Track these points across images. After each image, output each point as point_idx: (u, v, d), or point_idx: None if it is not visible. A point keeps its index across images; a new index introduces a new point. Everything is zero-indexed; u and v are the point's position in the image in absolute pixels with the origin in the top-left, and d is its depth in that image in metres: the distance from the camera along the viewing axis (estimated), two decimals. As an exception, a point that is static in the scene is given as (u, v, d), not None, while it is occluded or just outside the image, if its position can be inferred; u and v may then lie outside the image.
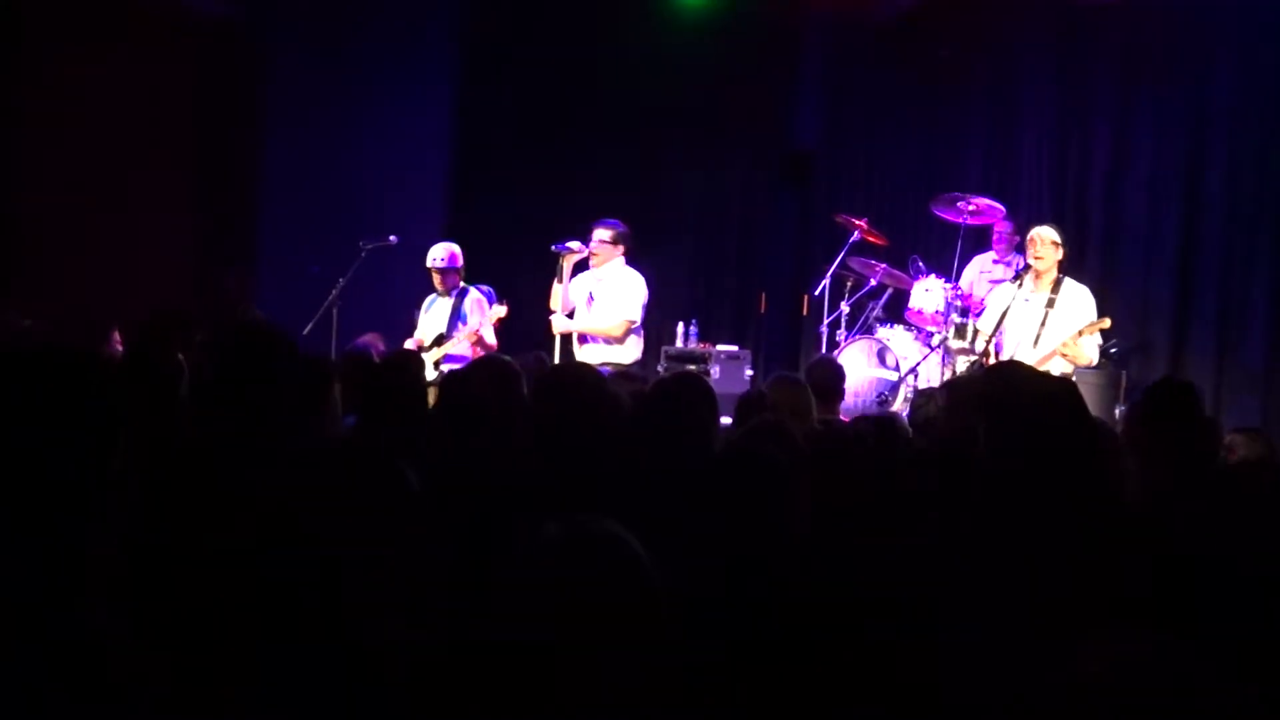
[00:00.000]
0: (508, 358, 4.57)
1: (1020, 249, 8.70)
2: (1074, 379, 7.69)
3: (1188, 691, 1.56)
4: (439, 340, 8.69)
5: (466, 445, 3.65)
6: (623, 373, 7.20)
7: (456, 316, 8.75)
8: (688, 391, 4.02)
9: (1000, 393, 3.17)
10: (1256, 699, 1.62)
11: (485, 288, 8.89)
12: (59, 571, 1.68)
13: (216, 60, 10.24)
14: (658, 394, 4.10)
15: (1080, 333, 7.73)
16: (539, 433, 3.74)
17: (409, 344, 8.78)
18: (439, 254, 8.86)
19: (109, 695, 1.63)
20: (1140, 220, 9.81)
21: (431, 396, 6.03)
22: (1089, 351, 7.77)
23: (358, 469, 2.68)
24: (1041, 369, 7.61)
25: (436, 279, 8.86)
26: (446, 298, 8.86)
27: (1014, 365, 4.23)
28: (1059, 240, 7.94)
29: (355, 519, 2.56)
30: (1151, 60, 9.82)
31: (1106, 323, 7.98)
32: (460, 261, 8.85)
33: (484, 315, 8.68)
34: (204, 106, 10.21)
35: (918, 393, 7.27)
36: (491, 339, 8.70)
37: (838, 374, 6.68)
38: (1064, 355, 7.64)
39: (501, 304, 8.75)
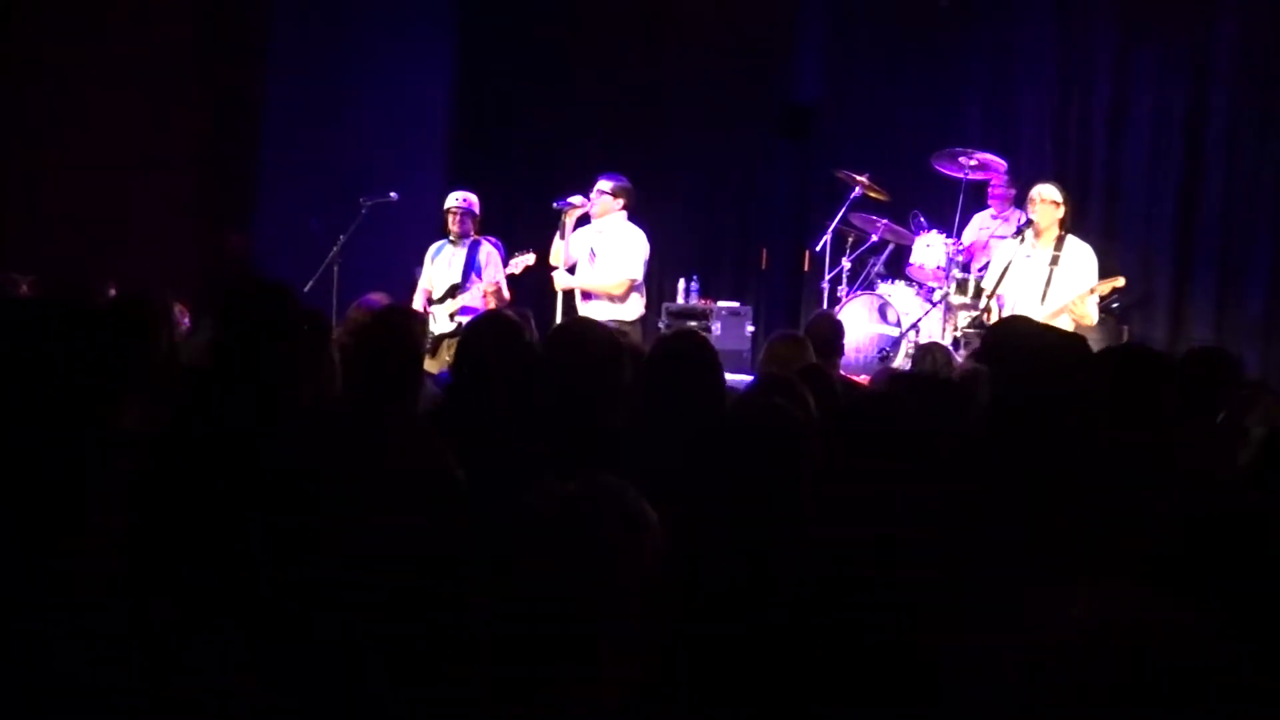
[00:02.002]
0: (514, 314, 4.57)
1: (1019, 203, 8.68)
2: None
3: (1180, 646, 1.56)
4: (453, 292, 8.64)
5: (489, 403, 3.66)
6: (617, 329, 7.19)
7: (471, 267, 8.69)
8: (689, 349, 4.00)
9: (1008, 344, 3.17)
10: (1251, 657, 1.63)
11: (494, 240, 8.86)
12: (57, 537, 1.68)
13: (217, 19, 10.19)
14: (660, 353, 4.09)
15: (1092, 290, 7.75)
16: (548, 389, 3.73)
17: (417, 296, 8.77)
18: (457, 197, 8.79)
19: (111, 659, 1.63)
20: (1141, 174, 9.80)
21: (450, 351, 6.01)
22: (1092, 311, 7.79)
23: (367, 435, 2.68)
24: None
25: (452, 221, 8.74)
26: (457, 246, 8.79)
27: (1022, 319, 4.23)
28: (1059, 199, 7.92)
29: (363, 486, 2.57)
30: (1153, 12, 9.77)
31: (1120, 281, 7.99)
32: (478, 209, 8.79)
33: (500, 268, 8.63)
34: (204, 66, 10.16)
35: (918, 348, 7.27)
36: (505, 292, 8.68)
37: (837, 329, 6.69)
38: (1071, 313, 7.65)
39: (529, 252, 8.69)
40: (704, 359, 3.96)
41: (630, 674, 1.87)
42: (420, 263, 9.02)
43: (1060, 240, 7.92)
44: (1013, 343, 2.95)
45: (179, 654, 1.71)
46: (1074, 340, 3.23)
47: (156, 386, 3.60)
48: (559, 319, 8.07)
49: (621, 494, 1.96)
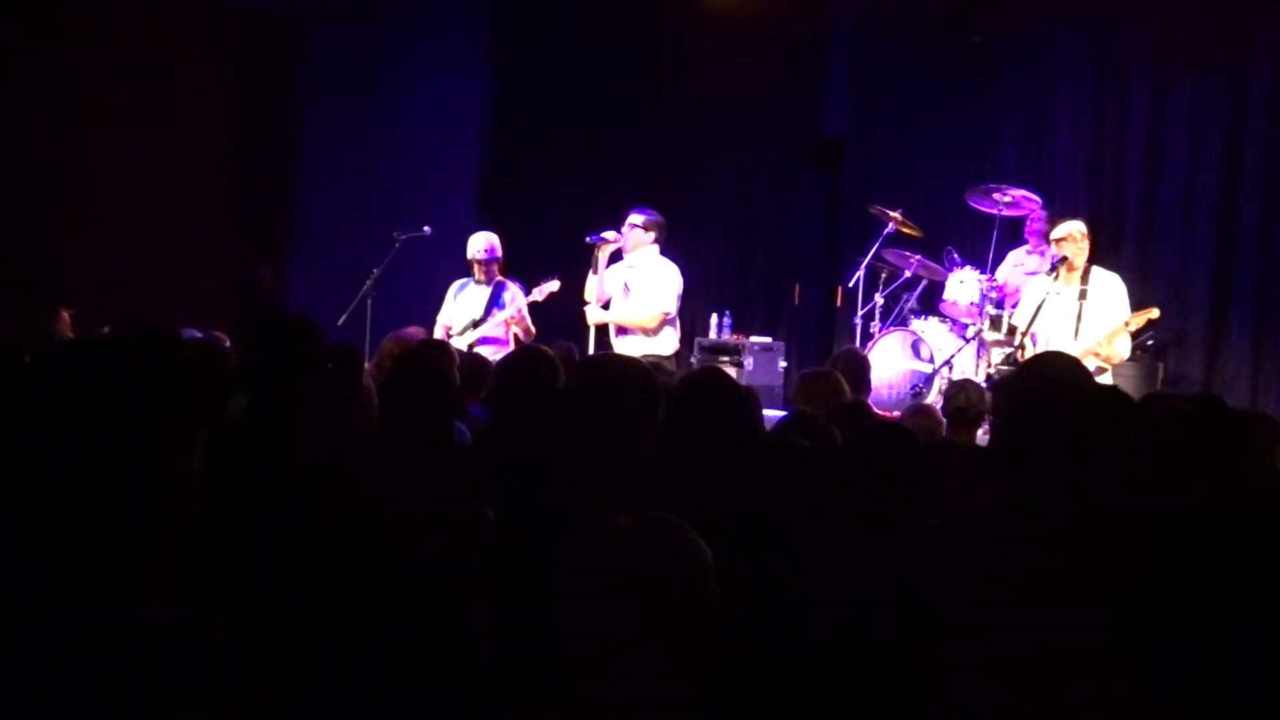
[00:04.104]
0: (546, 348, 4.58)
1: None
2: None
3: None
4: (474, 324, 8.67)
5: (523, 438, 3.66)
6: (654, 364, 7.17)
7: (494, 304, 8.72)
8: (715, 387, 3.94)
9: (1034, 386, 3.13)
10: None
11: (520, 283, 8.89)
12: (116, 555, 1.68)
13: (253, 53, 10.30)
14: (684, 391, 4.02)
15: (1126, 324, 7.72)
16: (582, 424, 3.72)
17: (437, 330, 8.79)
18: (479, 245, 8.82)
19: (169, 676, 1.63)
20: (1176, 211, 9.74)
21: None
22: (1123, 348, 7.75)
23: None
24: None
25: (477, 270, 8.82)
26: (483, 285, 8.84)
27: (1055, 357, 4.18)
28: (1085, 231, 7.97)
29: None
30: (1188, 45, 9.73)
31: (1155, 313, 7.95)
32: (499, 253, 8.81)
33: (524, 303, 8.65)
34: (240, 100, 10.27)
35: (950, 385, 7.24)
36: (530, 326, 8.69)
37: (863, 365, 6.67)
38: (1098, 355, 7.62)
39: (553, 279, 8.71)
40: (729, 397, 3.90)
41: (678, 710, 1.86)
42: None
43: (1086, 274, 7.90)
44: (1037, 383, 2.92)
45: (233, 692, 1.71)
46: (1101, 387, 3.23)
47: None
48: (591, 353, 8.08)
49: (678, 528, 1.94)
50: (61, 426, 1.63)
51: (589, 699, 1.81)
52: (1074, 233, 7.93)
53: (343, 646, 2.72)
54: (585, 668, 1.82)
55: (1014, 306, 8.63)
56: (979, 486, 3.53)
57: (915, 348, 9.04)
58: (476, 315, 8.71)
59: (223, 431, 3.07)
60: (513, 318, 8.57)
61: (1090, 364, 7.54)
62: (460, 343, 8.59)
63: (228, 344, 6.23)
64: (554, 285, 8.68)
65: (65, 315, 6.96)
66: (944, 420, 5.92)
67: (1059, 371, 3.01)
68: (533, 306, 8.71)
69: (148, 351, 1.70)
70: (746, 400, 3.93)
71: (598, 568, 1.87)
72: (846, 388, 5.63)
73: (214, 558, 2.42)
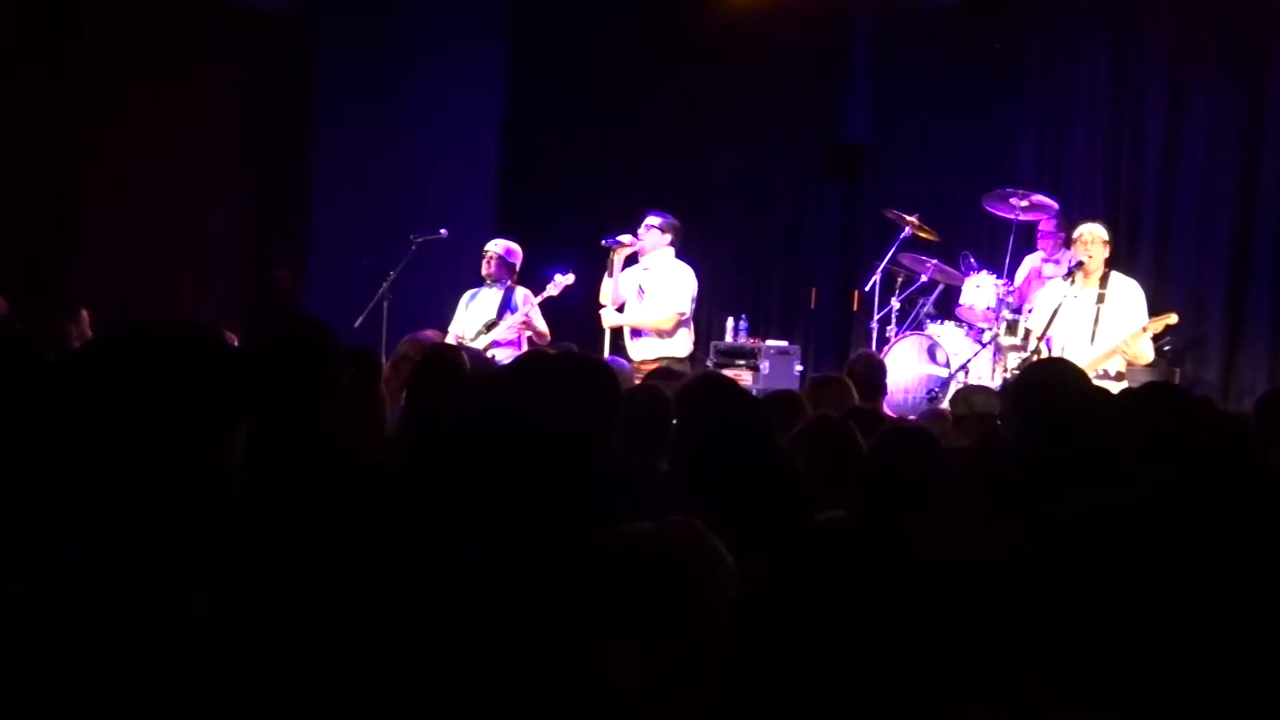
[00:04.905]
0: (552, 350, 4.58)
1: (1069, 245, 8.63)
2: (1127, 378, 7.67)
3: None
4: (487, 327, 8.68)
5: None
6: (666, 368, 7.17)
7: (506, 307, 8.74)
8: (714, 393, 3.86)
9: (1042, 390, 3.12)
10: None
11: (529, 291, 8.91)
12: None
13: (268, 57, 10.34)
14: (684, 397, 3.93)
15: (1145, 328, 7.69)
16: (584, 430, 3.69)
17: (449, 340, 8.81)
18: (500, 244, 8.85)
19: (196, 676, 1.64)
20: (1194, 215, 9.72)
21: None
22: (1146, 349, 7.72)
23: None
24: (1100, 367, 7.58)
25: (488, 267, 8.82)
26: (494, 290, 8.84)
27: (1062, 363, 4.17)
28: (1107, 238, 7.93)
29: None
30: (1205, 50, 9.71)
31: (1174, 318, 7.92)
32: (517, 260, 8.84)
33: (536, 308, 8.66)
34: (256, 103, 10.31)
35: (956, 392, 7.22)
36: (544, 327, 8.71)
37: (879, 369, 6.67)
38: (1124, 353, 7.59)
39: (568, 273, 8.72)
40: (733, 404, 3.82)
41: (697, 713, 1.86)
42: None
43: (1105, 278, 7.88)
44: (1042, 388, 2.92)
45: (265, 693, 1.72)
46: (1105, 393, 3.21)
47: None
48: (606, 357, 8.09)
49: (699, 533, 1.95)
50: (106, 420, 1.64)
51: (611, 702, 1.82)
52: (1089, 236, 7.91)
53: (364, 650, 2.72)
54: (608, 671, 1.83)
55: (1030, 311, 8.61)
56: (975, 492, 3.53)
57: (931, 352, 9.03)
58: (490, 317, 8.71)
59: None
60: (525, 321, 8.59)
61: (1116, 363, 7.54)
62: (474, 346, 8.61)
63: (237, 344, 6.26)
64: (569, 278, 8.69)
65: (85, 315, 7.01)
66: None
67: (1064, 377, 3.01)
68: (548, 309, 8.72)
69: (193, 347, 1.70)
70: (750, 403, 3.86)
71: (620, 572, 1.88)
72: (855, 392, 5.62)
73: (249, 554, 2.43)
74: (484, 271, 8.81)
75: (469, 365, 5.18)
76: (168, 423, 1.64)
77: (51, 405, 1.67)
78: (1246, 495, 2.77)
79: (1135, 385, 7.77)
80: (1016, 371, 8.07)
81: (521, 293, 8.76)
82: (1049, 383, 2.97)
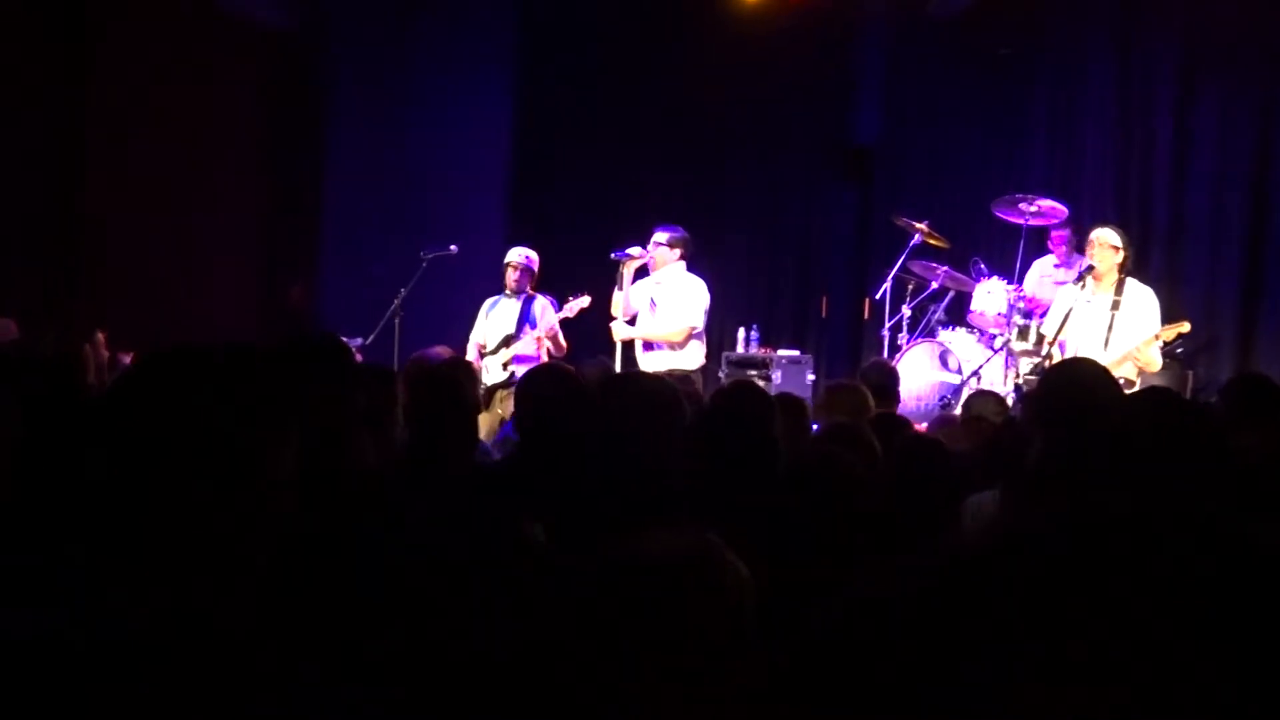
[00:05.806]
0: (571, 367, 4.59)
1: (1080, 250, 8.62)
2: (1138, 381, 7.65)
3: None
4: (506, 342, 8.69)
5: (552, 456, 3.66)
6: (680, 378, 7.17)
7: (525, 319, 8.74)
8: (750, 401, 3.93)
9: (1067, 392, 3.11)
10: None
11: (550, 297, 8.91)
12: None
13: (278, 73, 10.38)
14: (719, 404, 4.02)
15: (1157, 336, 7.68)
16: (604, 441, 3.72)
17: (470, 349, 8.82)
18: (521, 252, 8.87)
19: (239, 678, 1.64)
20: (1205, 218, 9.72)
21: (506, 402, 5.94)
22: (1155, 357, 7.71)
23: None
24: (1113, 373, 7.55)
25: (510, 276, 8.82)
26: (513, 300, 8.86)
27: (1083, 363, 4.14)
28: (1119, 244, 7.86)
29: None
30: (1216, 54, 9.72)
31: (1186, 327, 7.90)
32: (537, 268, 8.86)
33: (555, 319, 8.68)
34: (266, 118, 10.34)
35: (966, 397, 7.22)
36: (562, 340, 8.73)
37: (891, 376, 6.67)
38: (1135, 360, 7.58)
39: (583, 295, 8.73)
40: (764, 412, 3.89)
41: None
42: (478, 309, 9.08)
43: (1120, 284, 7.86)
44: (1067, 388, 2.92)
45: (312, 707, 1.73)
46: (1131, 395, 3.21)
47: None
48: (618, 370, 8.09)
49: (716, 547, 1.95)
50: (167, 434, 1.66)
51: (630, 715, 1.82)
52: (1101, 240, 7.88)
53: (388, 664, 2.73)
54: (626, 685, 1.83)
55: (1041, 316, 8.60)
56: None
57: (943, 359, 9.03)
58: (509, 331, 8.72)
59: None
60: (542, 337, 8.60)
61: (1129, 370, 7.52)
62: (494, 360, 8.64)
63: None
64: (585, 301, 8.70)
65: (101, 337, 7.05)
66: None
67: (1088, 377, 3.00)
68: (562, 322, 8.74)
69: (248, 364, 1.73)
70: (774, 410, 3.91)
71: (637, 587, 1.88)
72: (871, 400, 5.61)
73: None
74: (508, 281, 8.80)
75: (474, 381, 5.19)
76: (226, 437, 1.66)
77: (110, 430, 1.69)
78: (1224, 486, 2.77)
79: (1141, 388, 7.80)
80: (1031, 378, 8.07)
81: (541, 304, 8.76)
82: (1076, 384, 2.96)
